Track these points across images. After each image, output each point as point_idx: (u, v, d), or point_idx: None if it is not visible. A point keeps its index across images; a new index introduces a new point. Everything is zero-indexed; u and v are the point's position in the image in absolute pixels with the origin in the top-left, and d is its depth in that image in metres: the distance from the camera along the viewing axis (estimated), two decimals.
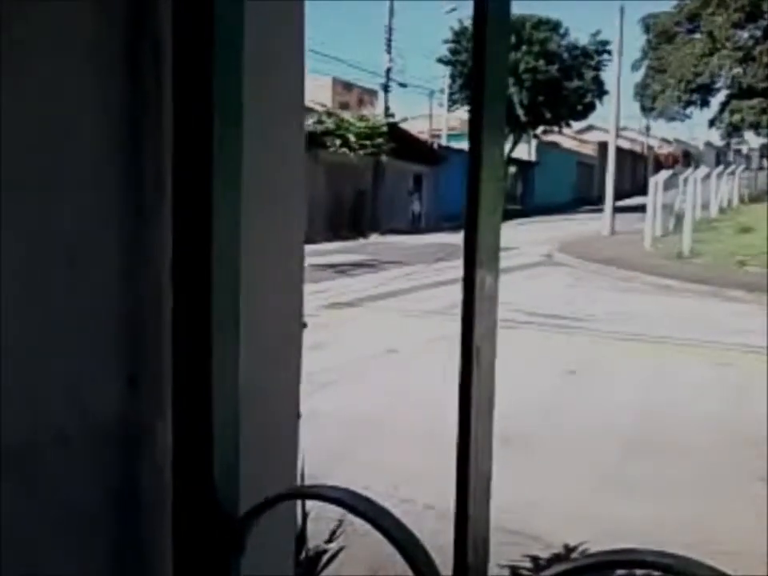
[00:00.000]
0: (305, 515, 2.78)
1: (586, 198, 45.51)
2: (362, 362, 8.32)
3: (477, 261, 0.69)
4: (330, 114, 26.88)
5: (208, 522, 0.78)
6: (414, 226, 28.50)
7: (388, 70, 34.42)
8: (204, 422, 0.80)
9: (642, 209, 24.29)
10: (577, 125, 49.45)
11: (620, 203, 29.80)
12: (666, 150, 66.57)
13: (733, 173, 32.81)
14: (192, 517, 0.79)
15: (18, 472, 0.77)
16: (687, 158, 63.66)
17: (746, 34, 38.10)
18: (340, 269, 16.37)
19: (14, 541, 0.77)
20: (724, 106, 41.56)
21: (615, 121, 29.69)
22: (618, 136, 31.13)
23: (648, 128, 60.67)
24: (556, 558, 3.88)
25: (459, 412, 0.73)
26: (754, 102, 38.37)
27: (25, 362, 0.78)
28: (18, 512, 0.77)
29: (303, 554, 2.78)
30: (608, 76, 39.85)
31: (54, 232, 0.80)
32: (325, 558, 3.02)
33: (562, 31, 43.58)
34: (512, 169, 39.07)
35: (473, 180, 0.70)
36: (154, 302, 0.88)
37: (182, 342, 0.81)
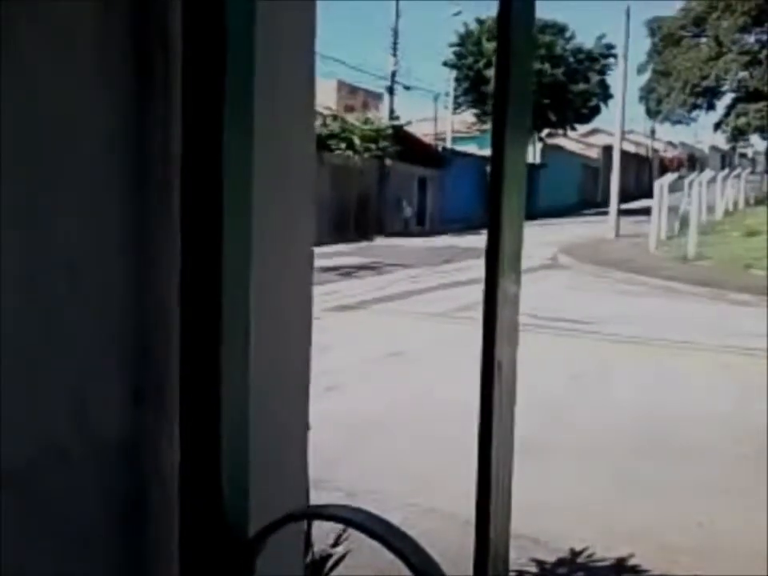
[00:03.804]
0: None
1: (590, 201, 45.38)
2: (367, 364, 8.29)
3: (499, 269, 0.66)
4: (335, 117, 26.89)
5: (217, 543, 0.75)
6: (407, 231, 28.54)
7: (393, 73, 34.37)
8: (212, 437, 0.76)
9: (647, 212, 24.21)
10: (582, 128, 49.40)
11: (625, 206, 29.73)
12: (671, 153, 66.42)
13: (738, 176, 32.72)
14: (200, 537, 0.76)
15: (20, 491, 0.74)
16: (692, 161, 63.53)
17: (752, 38, 38.05)
18: (345, 271, 16.33)
19: (15, 561, 0.74)
20: (730, 109, 41.45)
21: (620, 124, 29.64)
22: (623, 139, 31.06)
23: (653, 131, 60.46)
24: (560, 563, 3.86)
25: (479, 430, 0.69)
26: (760, 105, 38.26)
27: (25, 377, 0.74)
28: (20, 532, 0.74)
29: (309, 558, 2.76)
30: (613, 80, 39.83)
31: (54, 240, 0.77)
32: (330, 562, 3.00)
33: (567, 35, 43.59)
34: None
35: (495, 186, 0.66)
36: (159, 313, 0.84)
37: (190, 353, 0.78)
